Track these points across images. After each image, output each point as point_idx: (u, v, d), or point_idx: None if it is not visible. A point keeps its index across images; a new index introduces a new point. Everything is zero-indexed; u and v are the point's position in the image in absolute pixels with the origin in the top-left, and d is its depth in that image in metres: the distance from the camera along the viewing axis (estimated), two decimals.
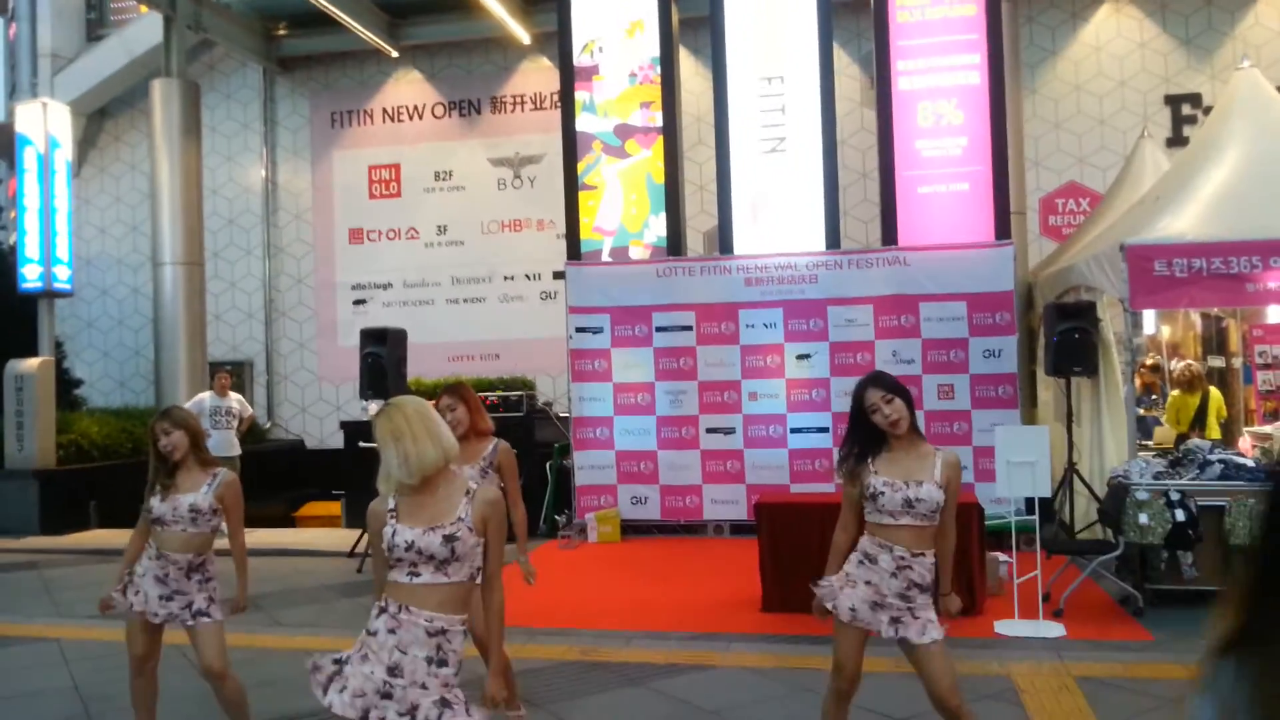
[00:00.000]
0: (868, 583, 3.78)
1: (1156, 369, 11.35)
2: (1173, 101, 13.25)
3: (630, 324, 10.35)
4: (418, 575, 3.00)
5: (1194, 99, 13.12)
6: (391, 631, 2.97)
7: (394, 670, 2.95)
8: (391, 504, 3.08)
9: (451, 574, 3.01)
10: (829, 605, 3.85)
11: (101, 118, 16.80)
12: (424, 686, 2.95)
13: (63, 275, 13.23)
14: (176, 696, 4.91)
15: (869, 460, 3.84)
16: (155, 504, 4.38)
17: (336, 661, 3.00)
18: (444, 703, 2.95)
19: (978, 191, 9.71)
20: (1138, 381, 10.71)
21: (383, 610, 3.01)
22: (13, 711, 5.51)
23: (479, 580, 3.14)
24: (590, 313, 10.43)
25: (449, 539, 2.99)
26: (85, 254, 16.44)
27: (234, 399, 11.57)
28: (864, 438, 3.86)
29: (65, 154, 13.37)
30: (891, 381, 3.85)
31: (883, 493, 3.74)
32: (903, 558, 3.73)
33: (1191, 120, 13.02)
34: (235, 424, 11.42)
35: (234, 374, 15.38)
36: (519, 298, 15.09)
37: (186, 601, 4.41)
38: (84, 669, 6.26)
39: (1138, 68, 13.43)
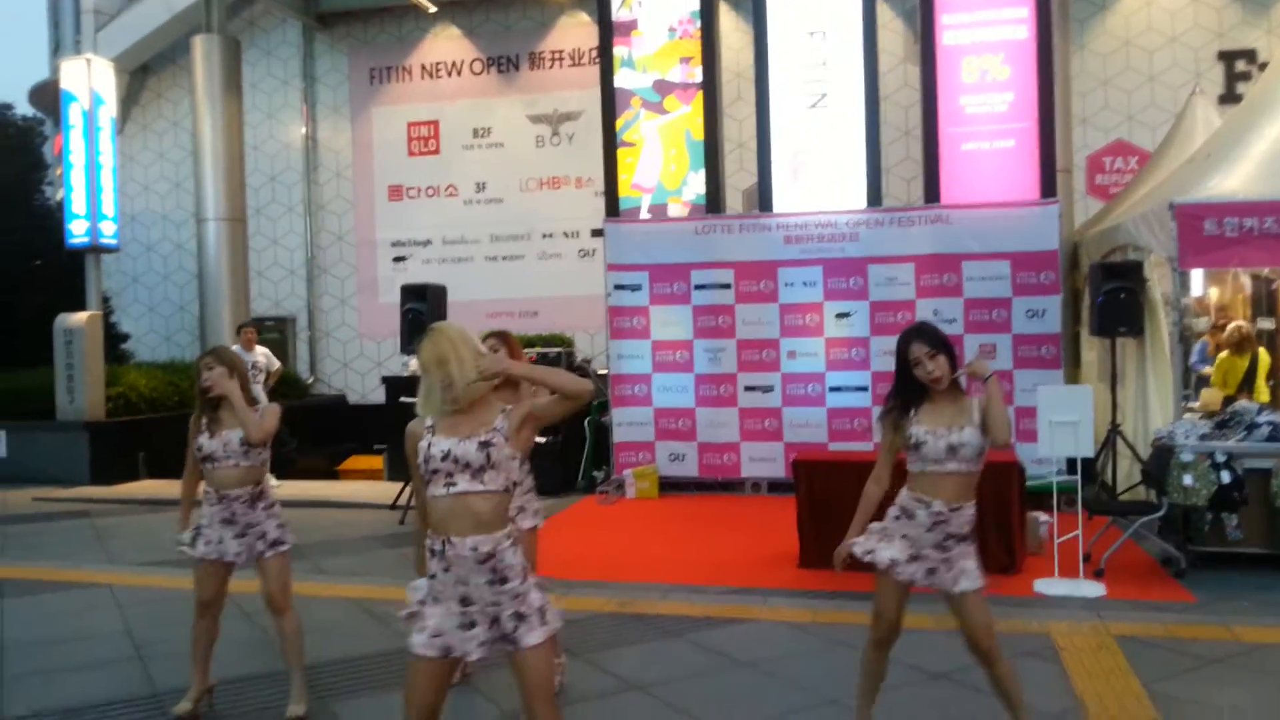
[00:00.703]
0: (904, 536, 3.79)
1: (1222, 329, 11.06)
2: (1226, 57, 12.89)
3: (669, 281, 10.33)
4: (454, 485, 3.05)
5: (1249, 55, 12.75)
6: (447, 570, 3.04)
7: (466, 601, 3.05)
8: (430, 422, 3.15)
9: (488, 482, 3.06)
10: (869, 558, 3.85)
11: (144, 75, 16.92)
12: (495, 603, 3.06)
13: (108, 231, 13.41)
14: (226, 642, 5.03)
15: (911, 411, 3.82)
16: (205, 442, 4.48)
17: (414, 608, 3.10)
18: (518, 616, 3.06)
19: (1023, 149, 9.55)
20: (1210, 343, 10.53)
21: (433, 553, 3.07)
22: (67, 653, 5.68)
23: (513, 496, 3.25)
24: (629, 270, 10.42)
25: (484, 445, 3.06)
26: (130, 210, 16.66)
27: (260, 353, 11.68)
28: (906, 390, 3.84)
29: (109, 110, 13.50)
30: (935, 335, 3.81)
31: (925, 441, 3.74)
32: (940, 513, 3.73)
33: (1246, 77, 12.67)
34: (262, 378, 11.55)
35: (276, 329, 15.64)
36: (557, 255, 15.10)
37: (260, 533, 4.54)
38: (135, 614, 6.43)
39: (1190, 23, 13.07)
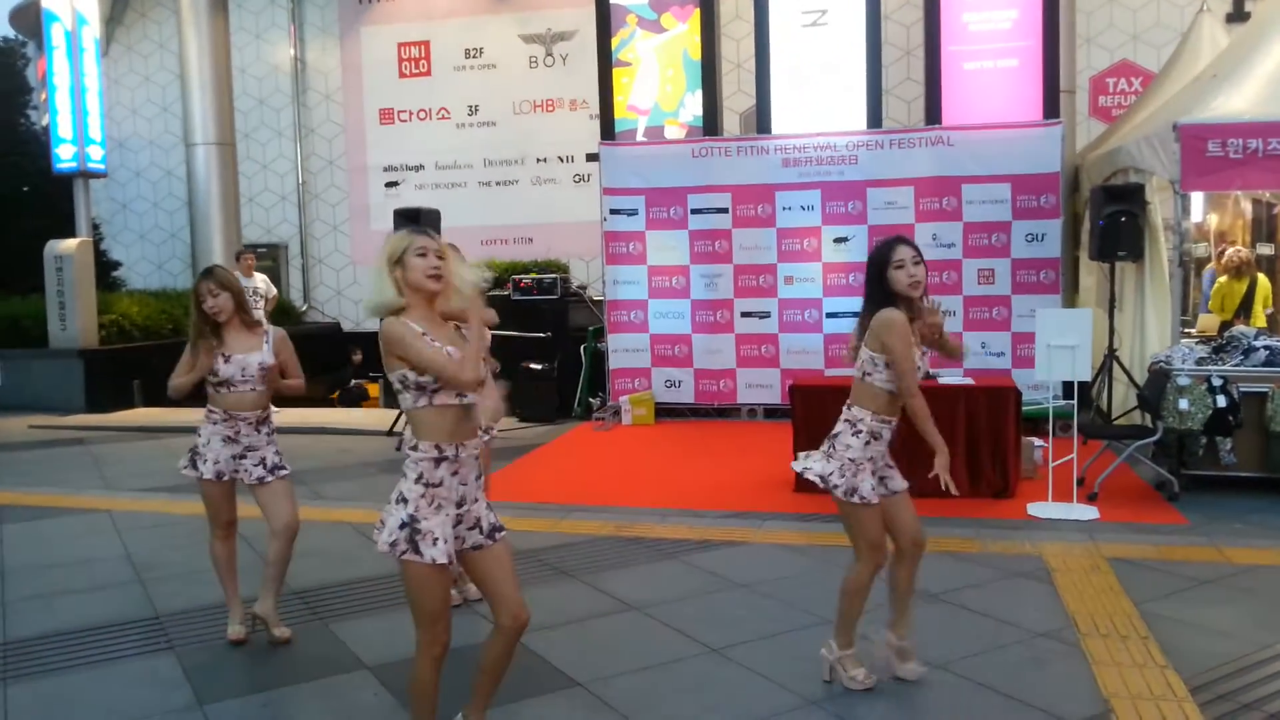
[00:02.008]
0: (871, 459, 3.87)
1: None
2: None
3: (665, 206, 10.21)
4: (465, 395, 3.10)
5: None
6: (454, 474, 3.10)
7: (461, 502, 3.15)
8: (420, 328, 3.05)
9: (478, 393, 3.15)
10: (855, 499, 3.84)
11: None
12: (476, 500, 3.19)
13: (96, 155, 13.19)
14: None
15: None
16: (222, 367, 4.44)
17: (403, 526, 3.06)
18: (487, 505, 3.24)
19: (1026, 68, 9.36)
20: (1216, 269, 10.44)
21: (441, 459, 3.07)
22: (67, 576, 5.72)
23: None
24: (624, 194, 10.29)
25: (485, 359, 3.16)
26: (117, 135, 16.38)
27: (259, 279, 11.63)
28: (882, 300, 3.82)
29: (93, 31, 13.17)
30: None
31: (919, 364, 3.82)
32: (894, 428, 3.91)
33: None
34: (262, 304, 11.51)
35: (269, 257, 15.50)
36: (552, 180, 14.91)
37: (260, 458, 4.55)
38: (134, 538, 6.47)
39: None
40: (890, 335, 3.77)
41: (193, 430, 4.69)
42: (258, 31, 16.08)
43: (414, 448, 3.11)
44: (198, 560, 5.83)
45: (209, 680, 4.24)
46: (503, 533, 3.26)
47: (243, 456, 4.54)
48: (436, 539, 3.07)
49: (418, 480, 3.09)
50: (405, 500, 3.11)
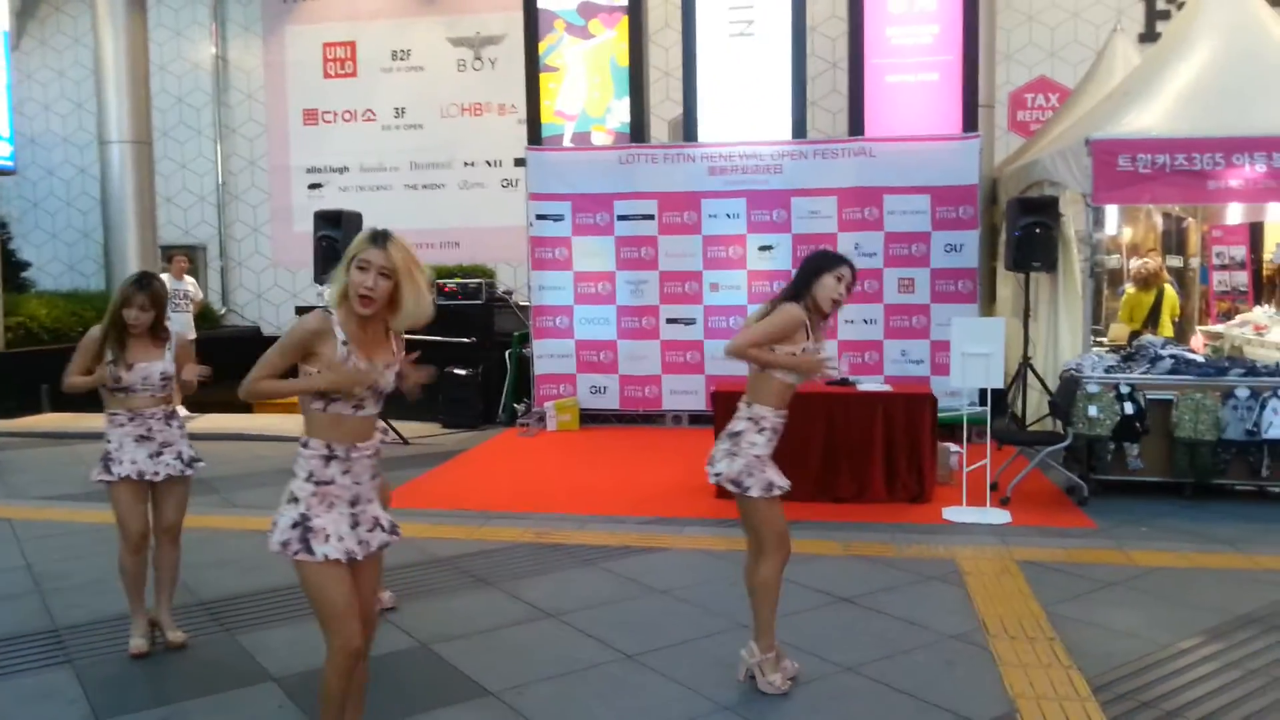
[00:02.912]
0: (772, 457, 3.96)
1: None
2: None
3: (591, 212, 10.19)
4: (363, 409, 3.08)
5: None
6: (345, 473, 3.06)
7: (355, 501, 3.09)
8: (342, 336, 3.02)
9: (380, 404, 3.16)
10: (773, 493, 3.89)
11: None
12: (370, 500, 3.15)
13: (4, 152, 12.73)
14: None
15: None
16: (125, 376, 4.35)
17: (295, 525, 3.00)
18: (381, 504, 3.23)
19: (947, 82, 9.55)
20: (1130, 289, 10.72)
21: (331, 458, 3.02)
22: None
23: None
24: (551, 200, 10.25)
25: (398, 375, 3.15)
26: (29, 132, 15.85)
27: (189, 282, 11.40)
28: (794, 297, 3.93)
29: (1, 23, 12.72)
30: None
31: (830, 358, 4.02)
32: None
33: (1165, 16, 12.81)
34: (191, 307, 11.28)
35: (187, 257, 15.09)
36: (479, 185, 14.79)
37: (176, 452, 4.49)
38: (35, 548, 6.23)
39: None
40: (780, 315, 3.85)
41: (103, 436, 4.54)
42: (178, 28, 15.70)
43: (305, 445, 3.06)
44: (100, 570, 5.66)
45: (107, 695, 4.09)
46: (398, 535, 3.24)
47: (159, 454, 4.45)
48: (329, 535, 3.00)
49: (308, 478, 3.03)
50: (296, 499, 3.04)
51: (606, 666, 4.28)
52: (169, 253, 11.60)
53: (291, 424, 10.63)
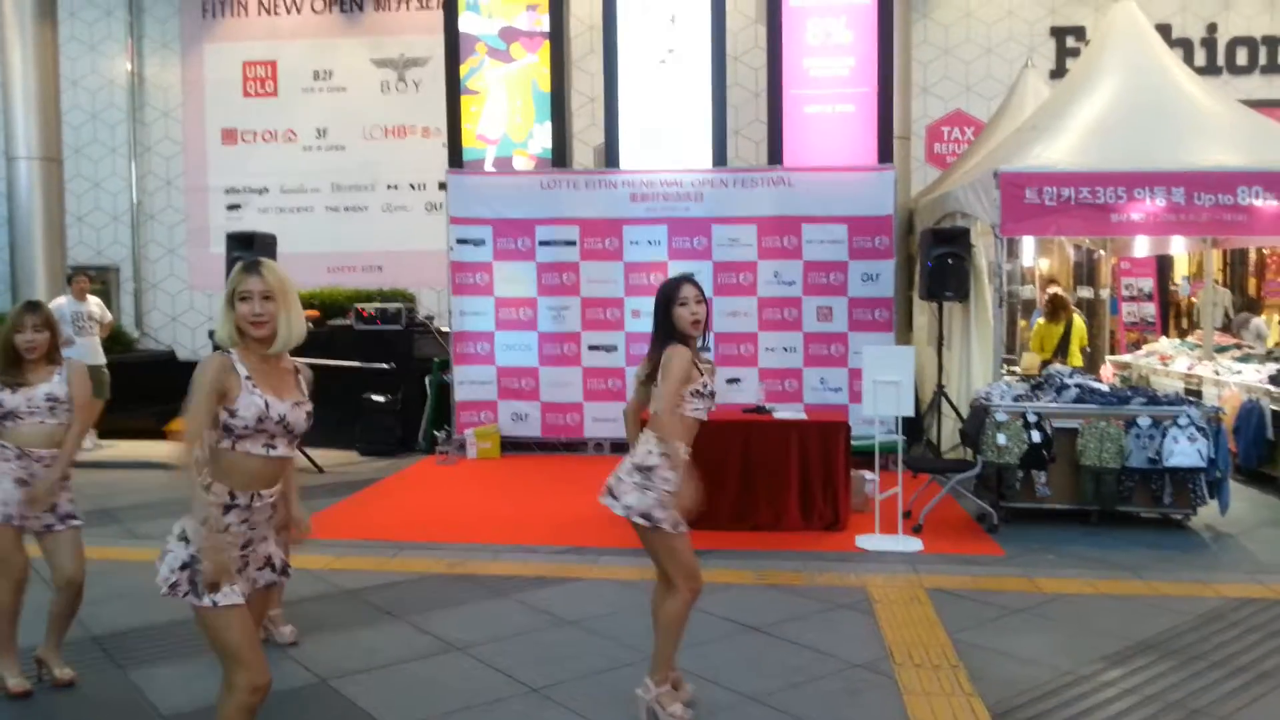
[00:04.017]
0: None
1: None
2: (1058, 33, 13.42)
3: (513, 237, 10.13)
4: (274, 449, 3.04)
5: (1078, 31, 13.31)
6: (244, 521, 3.03)
7: (246, 545, 3.06)
8: (245, 372, 3.00)
9: (293, 446, 3.14)
10: (681, 529, 3.91)
11: None
12: (264, 539, 3.13)
13: None
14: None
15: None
16: (6, 397, 4.18)
17: (185, 567, 2.95)
18: (276, 541, 3.20)
19: (863, 114, 9.71)
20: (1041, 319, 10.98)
21: (232, 506, 2.99)
22: None
23: None
24: (472, 224, 10.17)
25: (310, 415, 3.12)
26: None
27: (93, 303, 10.97)
28: (666, 338, 3.95)
29: None
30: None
31: (714, 392, 4.03)
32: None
33: (1075, 53, 13.20)
34: (96, 329, 10.86)
35: (99, 280, 14.66)
36: (403, 208, 14.61)
37: (51, 504, 4.26)
38: None
39: None
40: (676, 364, 3.86)
41: None
42: (92, 43, 15.29)
43: (207, 486, 2.96)
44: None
45: None
46: (288, 576, 3.21)
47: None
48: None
49: (203, 522, 2.94)
50: (187, 539, 2.94)
51: (510, 701, 4.21)
52: (69, 274, 11.21)
53: None
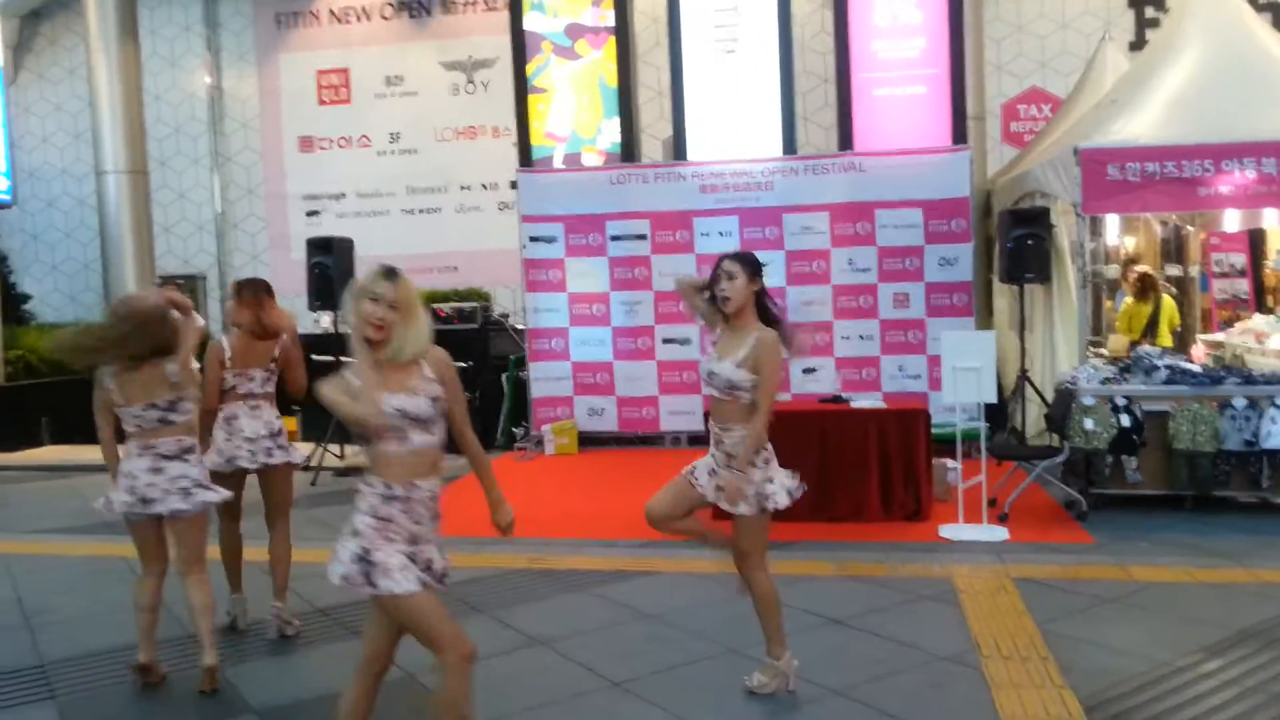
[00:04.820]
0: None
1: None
2: (1136, 4, 13.01)
3: (584, 233, 10.17)
4: (408, 440, 3.17)
5: (1158, 1, 12.87)
6: (405, 512, 3.16)
7: (414, 539, 3.20)
8: (355, 375, 3.17)
9: (431, 433, 3.23)
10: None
11: (36, 20, 16.10)
12: (429, 540, 3.25)
13: (1, 185, 12.79)
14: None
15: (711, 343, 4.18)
16: (137, 409, 4.30)
17: (359, 560, 3.10)
18: (439, 545, 3.30)
19: (935, 95, 9.53)
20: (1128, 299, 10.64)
21: (390, 497, 3.14)
22: None
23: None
24: (543, 221, 10.24)
25: (434, 399, 3.21)
26: (28, 165, 15.92)
27: None
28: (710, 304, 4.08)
29: None
30: (750, 262, 4.01)
31: (714, 373, 4.05)
32: (715, 431, 4.08)
33: (1155, 24, 12.79)
34: None
35: (187, 288, 15.11)
36: (476, 208, 14.80)
37: (186, 481, 4.38)
38: (29, 582, 6.20)
39: None
40: (772, 357, 3.95)
41: (101, 469, 4.56)
42: (173, 58, 15.78)
43: (367, 482, 3.19)
44: (92, 604, 5.63)
45: None
46: (444, 584, 3.34)
47: (169, 488, 4.38)
48: (389, 570, 3.08)
49: (369, 512, 3.14)
50: (358, 533, 3.14)
51: (592, 695, 4.23)
52: (159, 283, 11.57)
53: None
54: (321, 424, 9.77)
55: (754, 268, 3.98)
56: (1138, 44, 12.51)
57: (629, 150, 10.44)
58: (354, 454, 9.77)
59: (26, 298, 15.96)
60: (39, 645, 5.07)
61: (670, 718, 3.96)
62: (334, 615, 5.36)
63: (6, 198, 13.07)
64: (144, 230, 13.51)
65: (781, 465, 4.09)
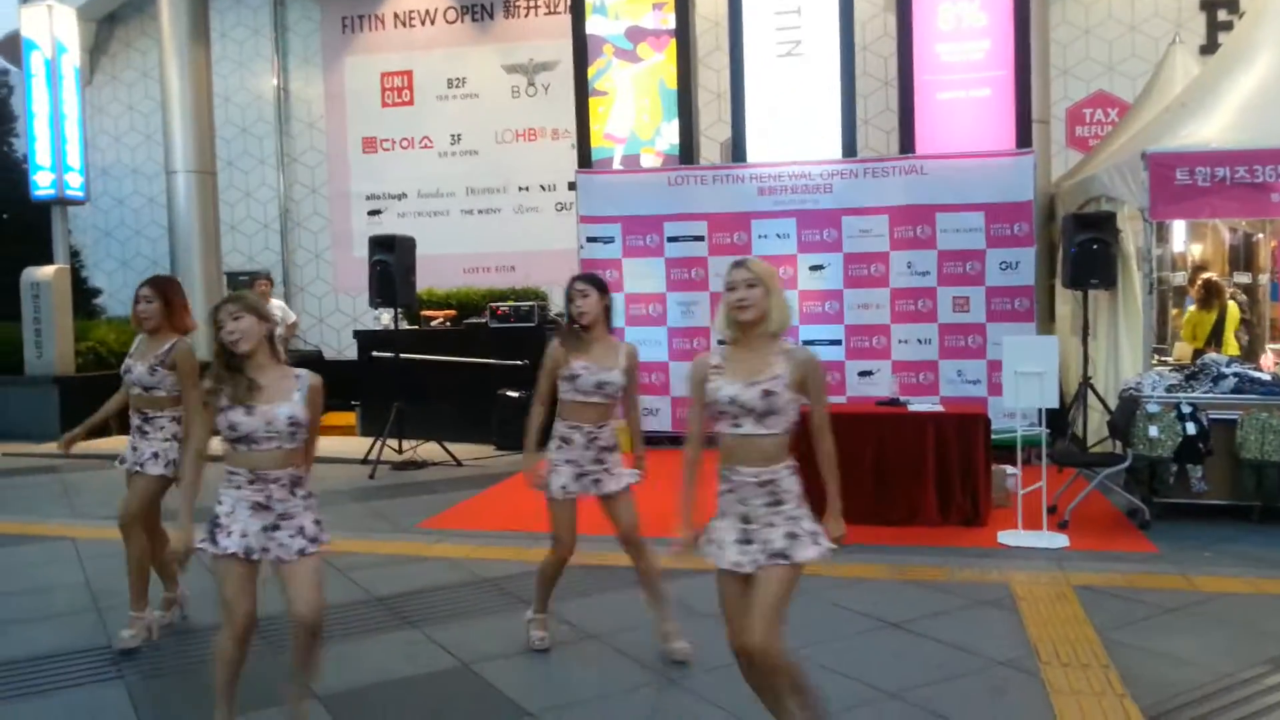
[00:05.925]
0: (568, 461, 4.78)
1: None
2: (1208, 6, 12.72)
3: (642, 234, 10.22)
4: (739, 427, 3.32)
5: (1230, 3, 12.58)
6: (730, 491, 3.39)
7: (746, 519, 3.37)
8: (716, 360, 3.36)
9: (770, 426, 3.31)
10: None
11: (112, 23, 16.56)
12: (771, 524, 3.33)
13: (75, 182, 13.19)
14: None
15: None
16: (241, 419, 3.53)
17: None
18: (791, 535, 3.32)
19: (999, 98, 9.42)
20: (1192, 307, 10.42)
21: (727, 483, 3.41)
22: (22, 604, 5.64)
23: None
24: (601, 222, 10.30)
25: (767, 394, 3.27)
26: (100, 163, 16.38)
27: (276, 305, 11.50)
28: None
29: (73, 59, 13.22)
30: (593, 279, 4.73)
31: (579, 375, 4.69)
32: (590, 432, 4.78)
33: (1227, 27, 12.50)
34: (281, 331, 11.41)
35: (250, 285, 15.44)
36: (534, 209, 14.92)
37: (296, 526, 3.63)
38: (96, 566, 6.38)
39: None
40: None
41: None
42: (241, 60, 16.13)
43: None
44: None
45: (156, 711, 4.16)
46: (807, 555, 3.36)
47: (276, 527, 3.60)
48: (723, 546, 3.41)
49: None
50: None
51: (644, 690, 4.25)
52: (252, 278, 11.83)
53: (350, 446, 10.76)
54: (381, 419, 9.92)
55: (602, 286, 4.68)
56: (1209, 48, 12.23)
57: (687, 152, 10.47)
58: (410, 449, 9.92)
59: (97, 292, 16.43)
60: (108, 627, 5.21)
61: (723, 713, 3.97)
62: (390, 604, 5.44)
63: (80, 194, 13.46)
64: (211, 228, 13.85)
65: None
